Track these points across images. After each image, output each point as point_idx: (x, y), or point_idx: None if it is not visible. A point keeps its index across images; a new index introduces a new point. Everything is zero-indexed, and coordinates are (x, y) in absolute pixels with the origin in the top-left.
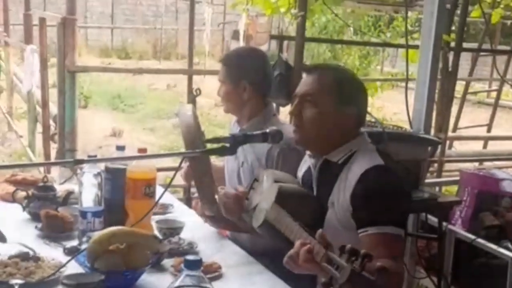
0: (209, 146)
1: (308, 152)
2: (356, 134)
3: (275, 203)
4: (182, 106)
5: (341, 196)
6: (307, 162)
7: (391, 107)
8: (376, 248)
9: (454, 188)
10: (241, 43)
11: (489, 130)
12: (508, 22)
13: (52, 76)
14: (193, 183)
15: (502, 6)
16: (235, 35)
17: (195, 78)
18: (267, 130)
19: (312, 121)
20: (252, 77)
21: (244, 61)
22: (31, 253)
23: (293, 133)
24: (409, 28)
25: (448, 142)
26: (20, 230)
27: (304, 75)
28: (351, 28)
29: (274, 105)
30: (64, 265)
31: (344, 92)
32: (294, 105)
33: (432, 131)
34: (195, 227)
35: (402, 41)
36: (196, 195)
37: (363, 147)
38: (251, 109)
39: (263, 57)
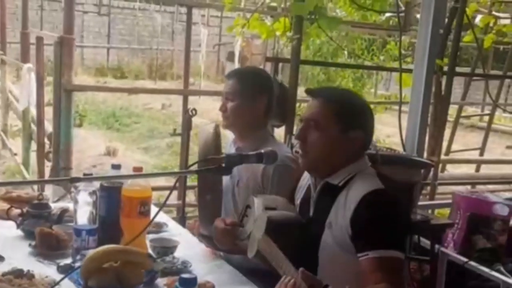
0: None
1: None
2: (358, 157)
3: (265, 233)
4: (213, 125)
5: (339, 218)
6: (306, 180)
7: (385, 130)
8: (376, 272)
9: (447, 211)
10: (236, 65)
11: (481, 154)
12: (501, 47)
13: (48, 94)
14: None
15: (494, 31)
16: (230, 56)
17: (190, 98)
18: (262, 151)
19: (317, 145)
20: (270, 95)
21: (263, 79)
22: (25, 270)
23: (299, 158)
24: (402, 52)
25: (441, 165)
26: (14, 247)
27: (310, 99)
28: (345, 51)
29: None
30: (58, 283)
31: (349, 117)
32: (299, 129)
33: (425, 154)
34: (189, 246)
35: (395, 64)
36: (189, 214)
37: (363, 170)
38: (254, 127)
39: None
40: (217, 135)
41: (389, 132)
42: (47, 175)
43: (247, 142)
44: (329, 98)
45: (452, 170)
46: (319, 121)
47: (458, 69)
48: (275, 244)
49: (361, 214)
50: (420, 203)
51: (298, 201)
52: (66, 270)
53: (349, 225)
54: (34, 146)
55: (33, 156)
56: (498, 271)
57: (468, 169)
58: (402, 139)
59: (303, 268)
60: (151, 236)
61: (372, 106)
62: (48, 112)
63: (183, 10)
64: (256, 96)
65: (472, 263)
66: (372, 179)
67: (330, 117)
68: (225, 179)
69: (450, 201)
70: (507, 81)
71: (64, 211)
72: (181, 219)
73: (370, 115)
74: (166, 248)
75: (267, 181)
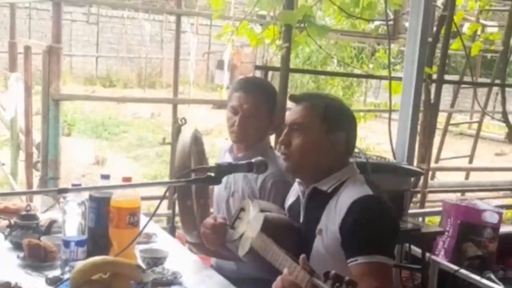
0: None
1: (297, 180)
2: (345, 163)
3: (261, 231)
4: (192, 131)
5: (329, 224)
6: (295, 190)
7: (374, 138)
8: (366, 278)
9: (437, 218)
10: (226, 73)
11: (470, 161)
12: (488, 55)
13: (36, 103)
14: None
15: (481, 39)
16: (220, 64)
17: (180, 106)
18: (253, 160)
19: (300, 149)
20: (276, 108)
21: (276, 94)
22: (12, 283)
23: (283, 162)
24: (391, 60)
25: (430, 172)
26: (1, 259)
27: (293, 105)
28: (335, 60)
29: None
30: None
31: (331, 120)
32: (284, 134)
33: (415, 162)
34: (179, 257)
35: (384, 72)
36: (179, 224)
37: (352, 177)
38: (261, 139)
39: None
40: (197, 141)
41: (379, 140)
42: (35, 185)
43: (248, 153)
44: (312, 102)
45: (442, 177)
46: (303, 124)
47: (446, 77)
48: (271, 239)
49: (350, 220)
50: (410, 211)
51: (286, 207)
52: (54, 282)
53: (338, 231)
54: (22, 156)
55: (21, 166)
56: (489, 279)
57: (457, 177)
58: (392, 147)
59: (304, 255)
60: (140, 246)
61: (361, 114)
62: (37, 121)
63: (172, 18)
64: (273, 112)
65: (463, 271)
66: (361, 186)
67: (313, 120)
68: (219, 189)
69: (440, 208)
70: (495, 88)
71: (53, 222)
72: (171, 229)
73: (353, 119)
74: (156, 258)
75: (264, 194)
